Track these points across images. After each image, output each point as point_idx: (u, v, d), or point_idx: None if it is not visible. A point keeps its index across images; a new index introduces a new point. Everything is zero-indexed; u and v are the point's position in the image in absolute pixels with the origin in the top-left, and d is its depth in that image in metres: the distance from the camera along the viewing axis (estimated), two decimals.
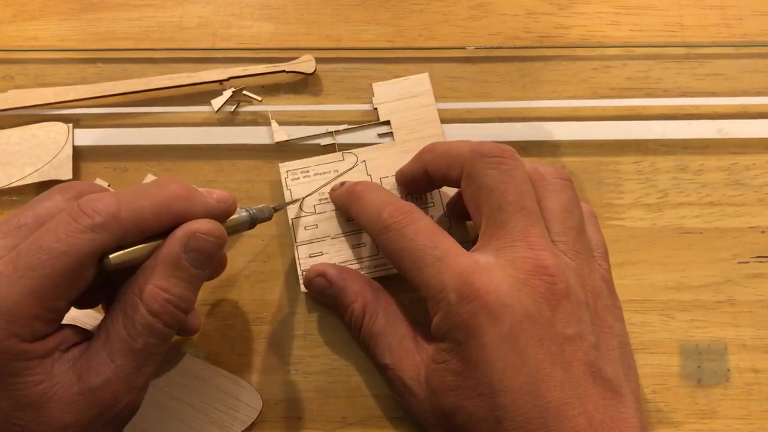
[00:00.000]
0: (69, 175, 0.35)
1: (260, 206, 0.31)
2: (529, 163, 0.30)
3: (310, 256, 0.34)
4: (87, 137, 0.37)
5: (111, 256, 0.24)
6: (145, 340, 0.25)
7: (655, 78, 0.38)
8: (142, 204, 0.25)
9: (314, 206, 0.34)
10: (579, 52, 0.38)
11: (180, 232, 0.26)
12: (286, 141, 0.36)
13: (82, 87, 0.37)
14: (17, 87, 0.38)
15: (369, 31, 0.39)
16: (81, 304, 0.27)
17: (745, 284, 0.34)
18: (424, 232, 0.28)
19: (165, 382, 0.32)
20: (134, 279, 0.25)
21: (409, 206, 0.29)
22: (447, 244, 0.28)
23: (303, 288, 0.33)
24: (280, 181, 0.35)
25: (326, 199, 0.34)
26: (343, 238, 0.34)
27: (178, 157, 0.36)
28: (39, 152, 0.36)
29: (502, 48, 0.38)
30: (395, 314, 0.31)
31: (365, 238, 0.34)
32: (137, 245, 0.25)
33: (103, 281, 0.27)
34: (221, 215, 0.27)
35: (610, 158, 0.36)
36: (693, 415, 0.32)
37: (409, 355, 0.29)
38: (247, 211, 0.30)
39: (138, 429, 0.31)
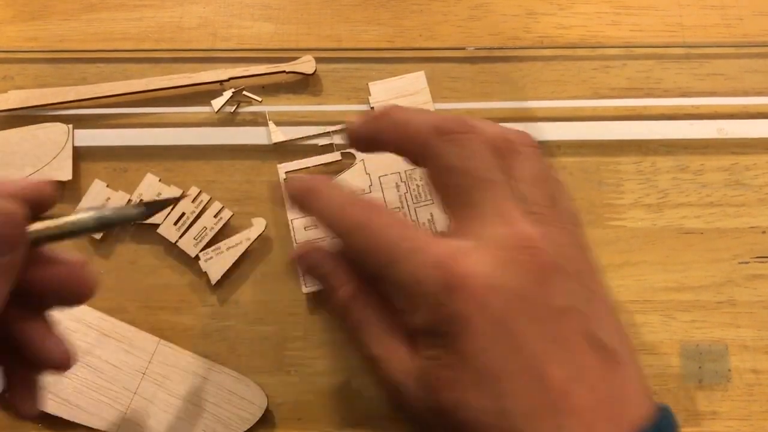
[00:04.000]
0: (69, 176, 0.35)
1: (123, 207, 0.26)
2: (495, 126, 0.28)
3: None
4: (87, 138, 0.37)
5: None
6: None
7: (655, 78, 0.38)
8: None
9: None
10: (579, 52, 0.38)
11: None
12: (285, 142, 0.36)
13: (82, 87, 0.37)
14: (17, 87, 0.38)
15: (369, 31, 0.39)
16: None
17: (745, 285, 0.34)
18: (392, 226, 0.26)
19: (169, 381, 0.32)
20: None
21: (374, 202, 0.27)
22: (418, 234, 0.26)
23: (305, 288, 0.33)
24: (279, 180, 0.35)
25: None
26: None
27: (178, 157, 0.36)
28: (39, 153, 0.36)
29: (502, 48, 0.38)
30: (387, 304, 0.28)
31: None
32: None
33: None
34: (32, 198, 0.24)
35: (610, 158, 0.36)
36: (693, 416, 0.32)
37: (401, 349, 0.27)
38: (97, 210, 0.25)
39: (143, 428, 0.31)
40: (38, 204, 0.24)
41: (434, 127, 0.27)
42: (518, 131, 0.28)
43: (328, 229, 0.28)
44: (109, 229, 0.27)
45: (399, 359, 0.26)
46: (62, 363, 0.25)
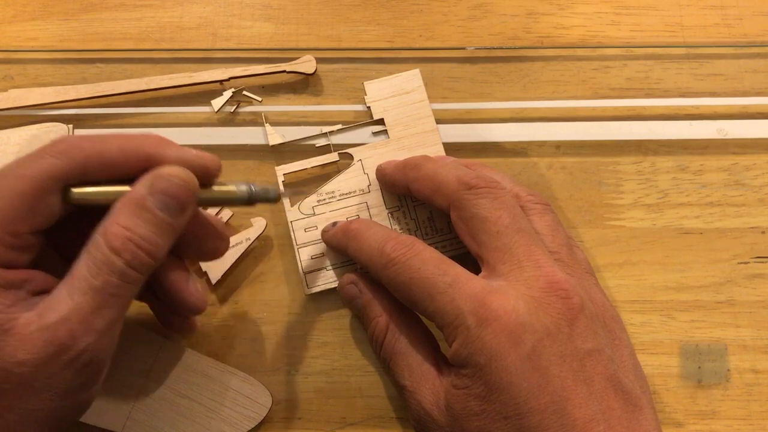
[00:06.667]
0: None
1: (267, 186, 0.29)
2: (512, 182, 0.32)
3: (312, 258, 0.34)
4: None
5: (73, 188, 0.25)
6: (105, 278, 0.24)
7: (655, 78, 0.38)
8: (108, 140, 0.25)
9: (313, 208, 0.34)
10: (579, 52, 0.38)
11: (147, 174, 0.26)
12: (283, 143, 0.36)
13: (82, 87, 0.37)
14: (17, 87, 0.38)
15: (369, 31, 0.39)
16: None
17: (745, 285, 0.34)
18: (430, 261, 0.28)
19: (174, 380, 0.32)
20: (102, 221, 0.25)
21: (411, 239, 0.29)
22: (456, 270, 0.27)
23: (306, 290, 0.33)
24: (278, 182, 0.35)
25: (324, 200, 0.34)
26: None
27: None
28: None
29: (502, 48, 0.38)
30: (419, 335, 0.30)
31: None
32: (105, 187, 0.25)
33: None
34: (198, 169, 0.27)
35: (610, 158, 0.36)
36: (693, 416, 0.32)
37: (429, 379, 0.28)
38: (248, 185, 0.29)
39: (148, 427, 0.31)
40: (202, 175, 0.27)
41: (462, 182, 0.29)
42: (529, 190, 0.31)
43: (367, 267, 0.31)
44: (251, 205, 0.29)
45: (428, 389, 0.28)
46: (198, 307, 0.29)
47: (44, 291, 0.25)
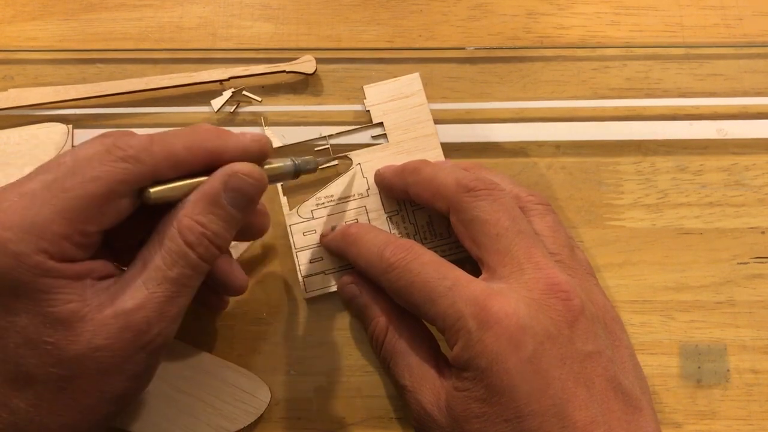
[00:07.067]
0: None
1: (305, 157, 0.31)
2: (511, 183, 0.32)
3: (311, 262, 0.34)
4: (87, 138, 0.36)
5: (151, 189, 0.25)
6: (180, 270, 0.25)
7: (655, 78, 0.38)
8: (173, 140, 0.26)
9: (311, 211, 0.34)
10: (579, 52, 0.38)
11: (221, 171, 0.26)
12: (283, 146, 0.36)
13: (82, 86, 0.37)
14: (17, 87, 0.38)
15: (369, 31, 0.39)
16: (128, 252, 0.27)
17: (744, 285, 0.34)
18: (430, 265, 0.28)
19: (174, 376, 0.32)
20: (173, 212, 0.26)
21: (410, 243, 0.29)
22: (456, 273, 0.27)
23: (305, 294, 0.33)
24: (276, 185, 0.35)
25: (323, 204, 0.34)
26: None
27: None
28: (39, 152, 0.36)
29: (502, 48, 0.38)
30: (420, 336, 0.30)
31: None
32: (178, 182, 0.26)
33: (143, 227, 0.27)
34: (256, 154, 0.28)
35: (610, 158, 0.36)
36: (693, 416, 0.32)
37: (429, 380, 0.28)
38: (292, 160, 0.30)
39: (148, 423, 0.31)
40: (258, 158, 0.28)
41: (461, 184, 0.29)
42: (530, 191, 0.32)
43: (367, 272, 0.31)
44: (296, 177, 0.30)
45: (428, 390, 0.28)
46: (243, 288, 0.30)
47: (105, 277, 0.25)
